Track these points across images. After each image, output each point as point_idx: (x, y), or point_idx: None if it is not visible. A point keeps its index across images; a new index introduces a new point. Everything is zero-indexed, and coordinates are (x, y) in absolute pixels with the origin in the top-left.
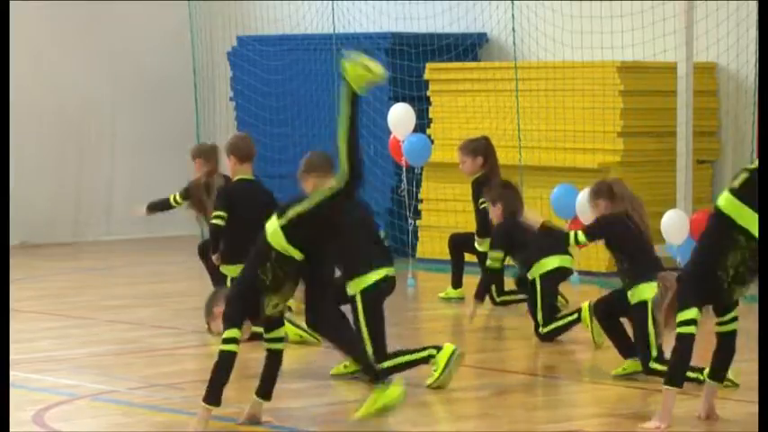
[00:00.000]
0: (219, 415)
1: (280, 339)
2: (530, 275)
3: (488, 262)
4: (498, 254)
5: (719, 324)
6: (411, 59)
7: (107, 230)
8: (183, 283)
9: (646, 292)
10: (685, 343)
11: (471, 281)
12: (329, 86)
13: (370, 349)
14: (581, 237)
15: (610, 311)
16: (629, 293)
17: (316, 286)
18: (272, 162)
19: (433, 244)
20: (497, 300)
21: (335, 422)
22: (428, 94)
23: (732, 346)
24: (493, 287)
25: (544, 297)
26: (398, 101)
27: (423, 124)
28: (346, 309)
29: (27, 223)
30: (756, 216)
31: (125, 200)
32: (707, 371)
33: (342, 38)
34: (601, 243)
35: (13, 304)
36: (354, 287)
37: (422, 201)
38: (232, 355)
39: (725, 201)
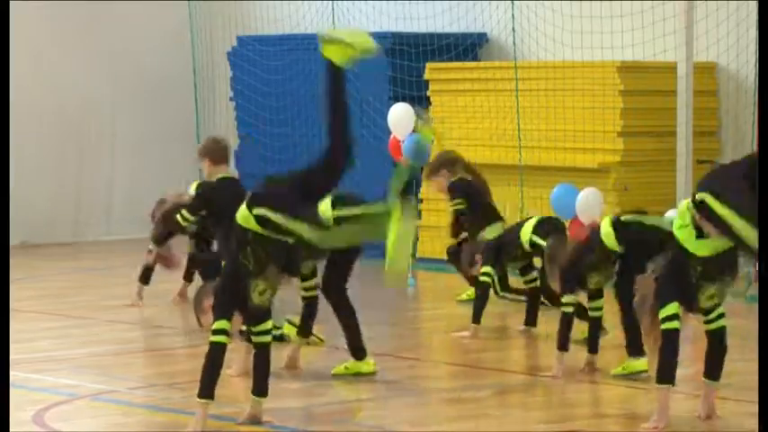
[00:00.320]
0: (219, 415)
1: (267, 332)
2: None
3: (481, 278)
4: (489, 269)
5: (705, 323)
6: (411, 59)
7: (107, 230)
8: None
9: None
10: (671, 339)
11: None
12: None
13: None
14: None
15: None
16: None
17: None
18: (271, 162)
19: (433, 244)
20: (500, 293)
21: (335, 422)
22: (428, 94)
23: (722, 344)
24: (495, 279)
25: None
26: (398, 101)
27: None
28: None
29: (27, 223)
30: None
31: (125, 200)
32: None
33: None
34: None
35: (13, 304)
36: None
37: (422, 201)
38: (222, 346)
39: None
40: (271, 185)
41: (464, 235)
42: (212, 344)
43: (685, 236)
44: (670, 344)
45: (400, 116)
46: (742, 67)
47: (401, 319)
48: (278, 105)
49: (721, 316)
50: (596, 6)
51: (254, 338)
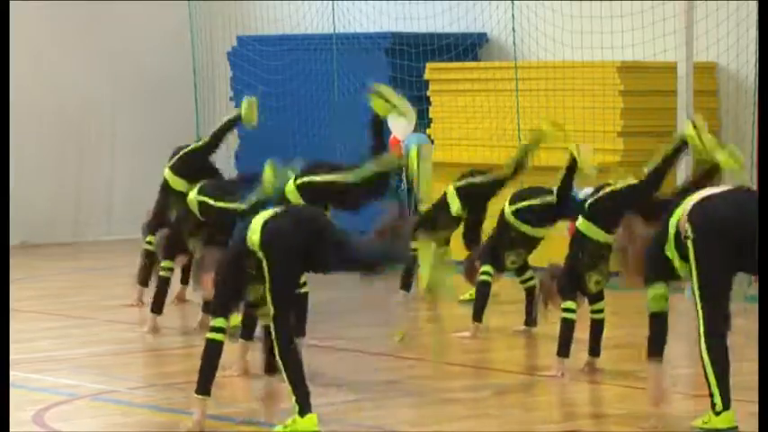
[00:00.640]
0: (219, 414)
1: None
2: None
3: (481, 277)
4: (488, 268)
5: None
6: (411, 59)
7: (107, 230)
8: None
9: None
10: (653, 319)
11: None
12: (329, 86)
13: None
14: None
15: None
16: None
17: None
18: None
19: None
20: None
21: (335, 422)
22: (428, 94)
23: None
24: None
25: None
26: None
27: (423, 124)
28: None
29: (27, 223)
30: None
31: (125, 200)
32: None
33: (342, 38)
34: None
35: (13, 304)
36: None
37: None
38: (219, 344)
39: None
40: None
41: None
42: (209, 341)
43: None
44: (654, 322)
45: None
46: (742, 67)
47: (401, 320)
48: (278, 105)
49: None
50: (596, 6)
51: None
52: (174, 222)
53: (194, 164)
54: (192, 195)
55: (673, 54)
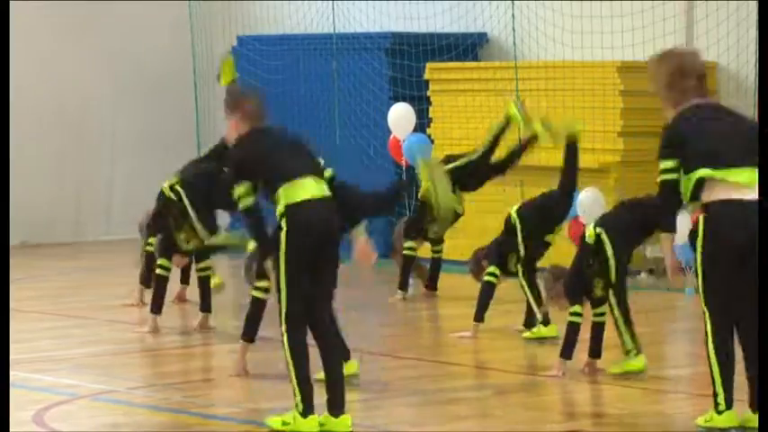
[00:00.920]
0: (219, 414)
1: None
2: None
3: (486, 278)
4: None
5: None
6: (411, 59)
7: (107, 230)
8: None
9: None
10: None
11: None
12: (329, 86)
13: None
14: None
15: None
16: None
17: None
18: None
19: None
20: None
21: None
22: (428, 94)
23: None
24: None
25: None
26: (398, 101)
27: (423, 124)
28: None
29: (27, 223)
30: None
31: (125, 200)
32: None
33: (342, 38)
34: None
35: (13, 304)
36: None
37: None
38: (263, 301)
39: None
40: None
41: None
42: (254, 298)
43: None
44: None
45: (401, 116)
46: (742, 67)
47: (401, 320)
48: (278, 105)
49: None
50: (596, 6)
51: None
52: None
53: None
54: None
55: None
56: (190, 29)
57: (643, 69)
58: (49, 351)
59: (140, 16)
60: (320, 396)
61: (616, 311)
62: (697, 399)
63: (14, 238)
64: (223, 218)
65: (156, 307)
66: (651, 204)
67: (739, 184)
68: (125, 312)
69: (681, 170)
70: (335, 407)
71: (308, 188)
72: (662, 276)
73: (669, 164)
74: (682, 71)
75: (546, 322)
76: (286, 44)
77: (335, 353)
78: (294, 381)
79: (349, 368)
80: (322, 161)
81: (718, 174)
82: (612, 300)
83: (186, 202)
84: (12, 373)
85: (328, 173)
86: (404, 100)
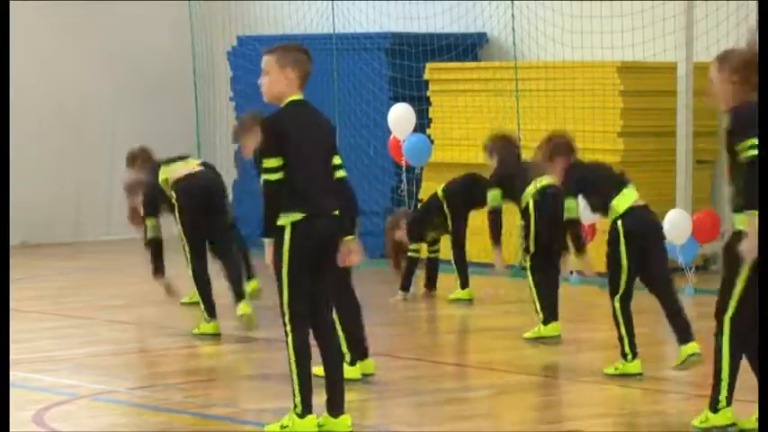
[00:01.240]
0: (219, 414)
1: None
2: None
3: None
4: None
5: None
6: (411, 59)
7: (107, 230)
8: (183, 282)
9: None
10: None
11: (478, 282)
12: (329, 86)
13: None
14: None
15: None
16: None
17: None
18: None
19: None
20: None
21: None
22: (428, 94)
23: None
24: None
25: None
26: (398, 101)
27: (423, 124)
28: None
29: (27, 223)
30: None
31: (125, 200)
32: None
33: (342, 38)
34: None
35: (13, 304)
36: None
37: (421, 200)
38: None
39: None
40: None
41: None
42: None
43: None
44: None
45: (401, 116)
46: None
47: (401, 320)
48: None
49: None
50: (596, 6)
51: None
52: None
53: None
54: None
55: (673, 54)
56: (190, 29)
57: (643, 69)
58: (49, 351)
59: (140, 16)
60: (319, 396)
61: (619, 316)
62: (697, 399)
63: (14, 238)
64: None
65: (158, 269)
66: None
67: None
68: (125, 312)
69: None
70: (335, 407)
71: None
72: None
73: (753, 141)
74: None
75: (546, 322)
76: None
77: (336, 353)
78: (296, 381)
79: (367, 368)
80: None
81: None
82: (617, 304)
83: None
84: (12, 373)
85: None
86: (404, 100)
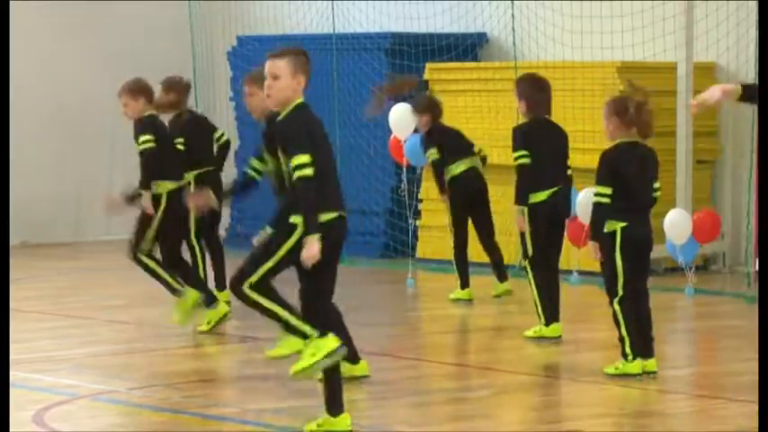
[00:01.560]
0: (219, 414)
1: None
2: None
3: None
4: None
5: None
6: (411, 59)
7: (107, 230)
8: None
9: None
10: None
11: (478, 282)
12: (329, 86)
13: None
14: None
15: None
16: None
17: None
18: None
19: (433, 244)
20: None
21: None
22: (428, 94)
23: None
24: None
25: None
26: (399, 101)
27: None
28: None
29: (27, 223)
30: None
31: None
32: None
33: (342, 38)
34: None
35: (13, 304)
36: None
37: (421, 201)
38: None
39: None
40: None
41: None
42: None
43: None
44: None
45: (402, 116)
46: (742, 67)
47: (401, 320)
48: None
49: None
50: (596, 6)
51: None
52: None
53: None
54: None
55: (673, 54)
56: (190, 29)
57: (643, 69)
58: (49, 351)
59: (140, 16)
60: (317, 397)
61: (620, 317)
62: (697, 399)
63: (14, 238)
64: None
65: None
66: None
67: None
68: (125, 312)
69: None
70: (334, 406)
71: None
72: (661, 276)
73: None
74: None
75: (548, 323)
76: (286, 44)
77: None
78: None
79: (360, 370)
80: None
81: None
82: (617, 306)
83: None
84: (12, 373)
85: None
86: (404, 100)
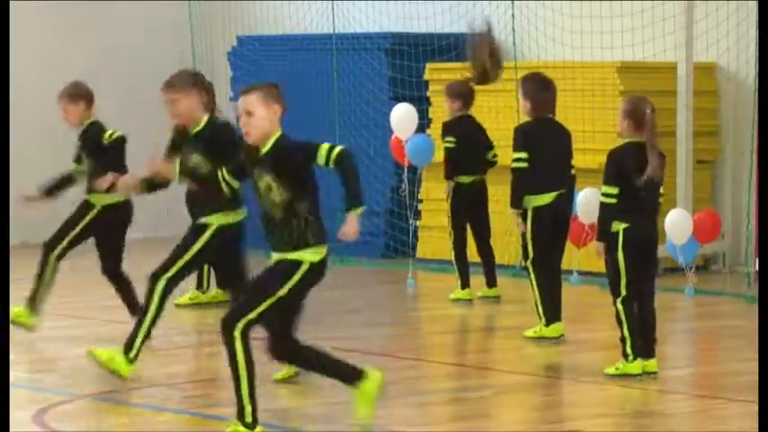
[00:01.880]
0: (219, 414)
1: None
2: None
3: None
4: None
5: None
6: (411, 59)
7: None
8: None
9: None
10: None
11: (478, 282)
12: (329, 86)
13: None
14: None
15: None
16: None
17: None
18: None
19: (433, 244)
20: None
21: (335, 422)
22: (428, 94)
23: None
24: None
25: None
26: (398, 101)
27: (423, 124)
28: None
29: (27, 223)
30: None
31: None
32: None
33: (342, 38)
34: None
35: (13, 304)
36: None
37: (421, 201)
38: None
39: None
40: None
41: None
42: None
43: None
44: None
45: (403, 116)
46: (742, 67)
47: (401, 320)
48: None
49: None
50: (596, 6)
51: None
52: None
53: None
54: None
55: (673, 54)
56: (190, 29)
57: (643, 69)
58: (49, 351)
59: (140, 16)
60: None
61: (623, 317)
62: (697, 399)
63: (14, 238)
64: None
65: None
66: None
67: None
68: (125, 312)
69: None
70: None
71: None
72: (661, 276)
73: None
74: None
75: (549, 323)
76: (286, 44)
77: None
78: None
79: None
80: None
81: None
82: (620, 306)
83: None
84: (12, 373)
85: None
86: (404, 100)
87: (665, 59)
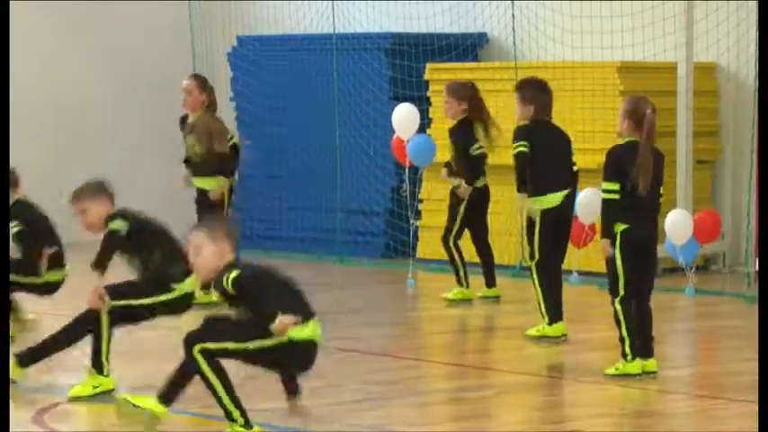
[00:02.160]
0: (219, 415)
1: None
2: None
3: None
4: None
5: None
6: (411, 59)
7: None
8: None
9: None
10: None
11: (479, 282)
12: (329, 86)
13: None
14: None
15: None
16: None
17: None
18: (271, 163)
19: (433, 244)
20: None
21: (335, 422)
22: (428, 94)
23: None
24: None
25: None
26: (399, 101)
27: (423, 124)
28: None
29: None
30: None
31: (125, 200)
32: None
33: (342, 38)
34: None
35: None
36: None
37: (421, 201)
38: None
39: None
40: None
41: None
42: None
43: None
44: None
45: (405, 116)
46: (742, 67)
47: (401, 320)
48: (278, 106)
49: None
50: (596, 6)
51: None
52: None
53: None
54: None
55: (673, 54)
56: (190, 29)
57: (643, 69)
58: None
59: (140, 16)
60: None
61: (621, 318)
62: (697, 399)
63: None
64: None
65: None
66: None
67: None
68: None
69: None
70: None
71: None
72: (661, 276)
73: None
74: None
75: (551, 322)
76: (286, 44)
77: None
78: None
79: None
80: None
81: None
82: (618, 306)
83: None
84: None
85: None
86: (404, 100)
87: (665, 59)
